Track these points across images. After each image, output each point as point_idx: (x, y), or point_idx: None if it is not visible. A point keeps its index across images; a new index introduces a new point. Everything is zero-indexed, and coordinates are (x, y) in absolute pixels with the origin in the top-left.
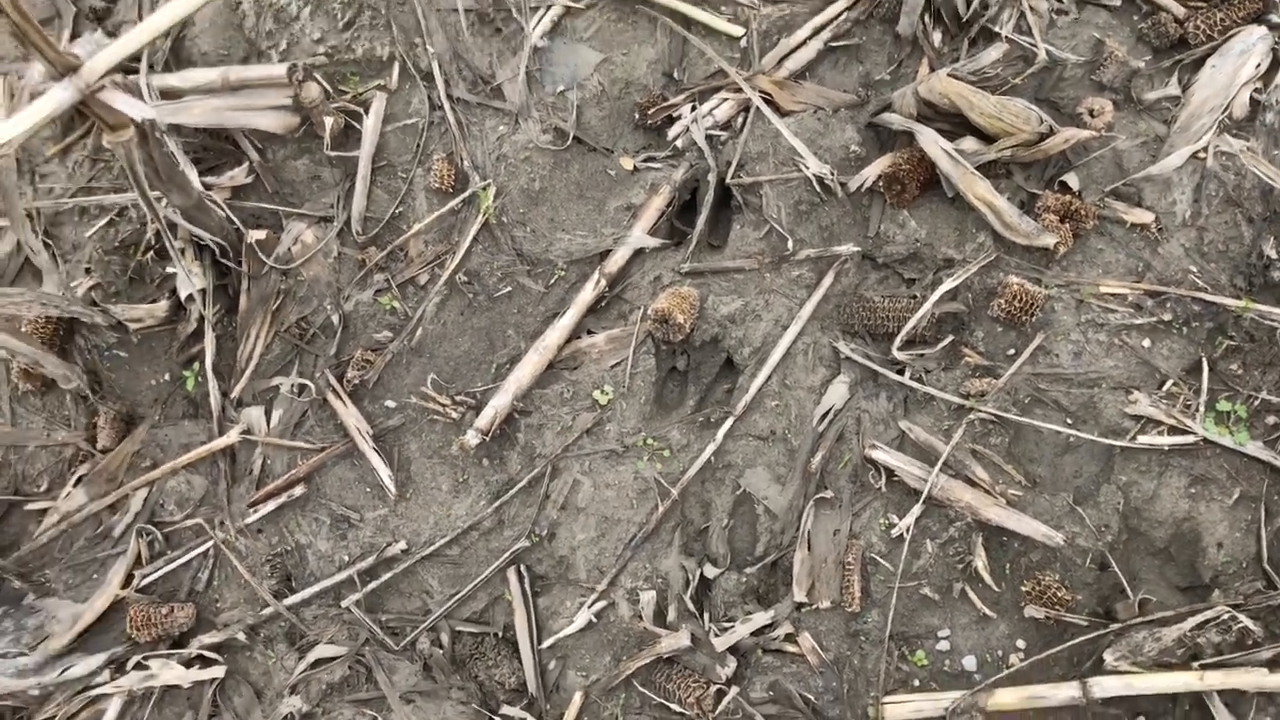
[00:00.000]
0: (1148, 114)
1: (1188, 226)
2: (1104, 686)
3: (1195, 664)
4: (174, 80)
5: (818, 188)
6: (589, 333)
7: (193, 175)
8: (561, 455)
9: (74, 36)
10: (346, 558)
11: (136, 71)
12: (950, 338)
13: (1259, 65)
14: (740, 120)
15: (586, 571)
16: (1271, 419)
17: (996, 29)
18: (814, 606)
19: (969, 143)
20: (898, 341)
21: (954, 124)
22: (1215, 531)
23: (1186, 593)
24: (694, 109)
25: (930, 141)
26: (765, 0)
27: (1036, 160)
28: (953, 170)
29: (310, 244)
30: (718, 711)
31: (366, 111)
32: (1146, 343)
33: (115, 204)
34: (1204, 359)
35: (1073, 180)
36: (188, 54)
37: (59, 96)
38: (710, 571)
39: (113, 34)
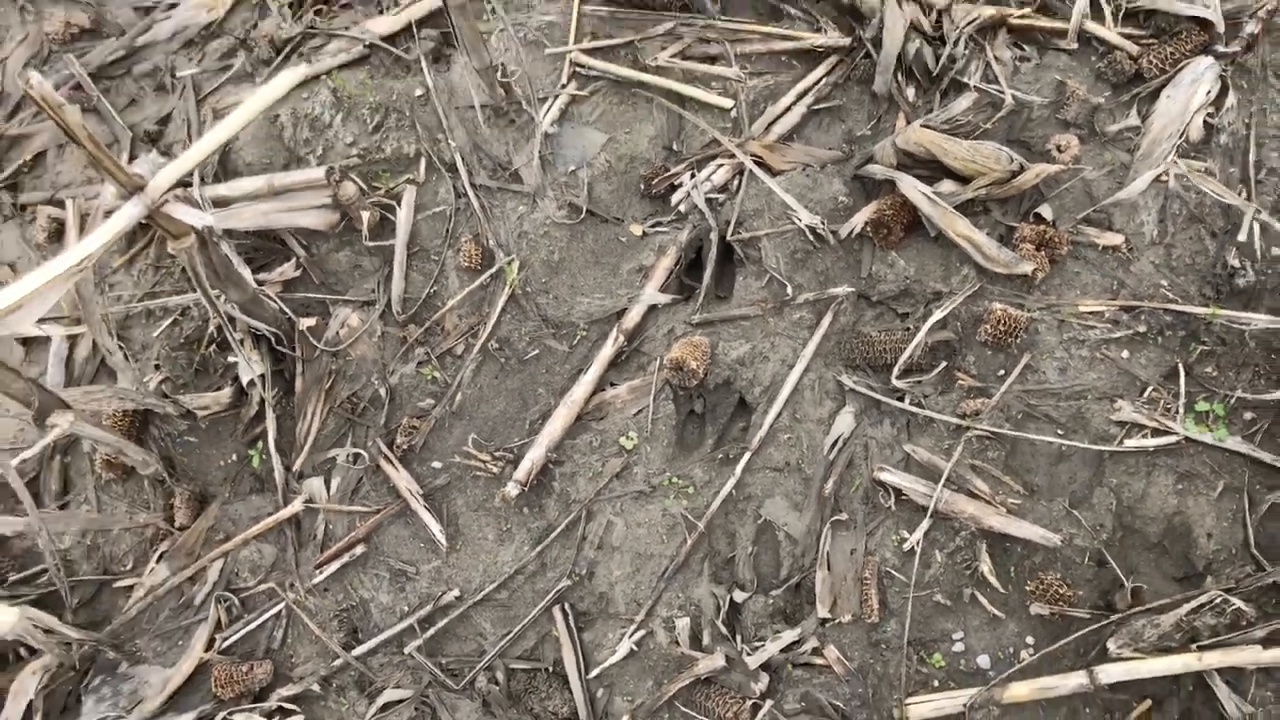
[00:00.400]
0: (1111, 145)
1: (1156, 244)
2: (1109, 673)
3: (1194, 646)
4: (224, 190)
5: (811, 237)
6: (612, 385)
7: (247, 273)
8: (595, 499)
9: (132, 158)
10: (406, 608)
11: (190, 185)
12: (944, 364)
13: (1209, 92)
14: (736, 183)
15: (625, 604)
16: (1248, 414)
17: (965, 80)
18: (837, 621)
19: (947, 185)
20: (896, 371)
21: (932, 169)
22: (1204, 523)
23: (1182, 582)
24: (693, 176)
25: (911, 187)
26: (751, 74)
27: (1011, 196)
28: (933, 211)
29: (356, 327)
30: None
31: (399, 204)
32: (1125, 354)
33: (178, 305)
34: (1180, 364)
35: (1046, 211)
36: (234, 165)
37: (130, 212)
38: (739, 596)
39: (166, 154)
